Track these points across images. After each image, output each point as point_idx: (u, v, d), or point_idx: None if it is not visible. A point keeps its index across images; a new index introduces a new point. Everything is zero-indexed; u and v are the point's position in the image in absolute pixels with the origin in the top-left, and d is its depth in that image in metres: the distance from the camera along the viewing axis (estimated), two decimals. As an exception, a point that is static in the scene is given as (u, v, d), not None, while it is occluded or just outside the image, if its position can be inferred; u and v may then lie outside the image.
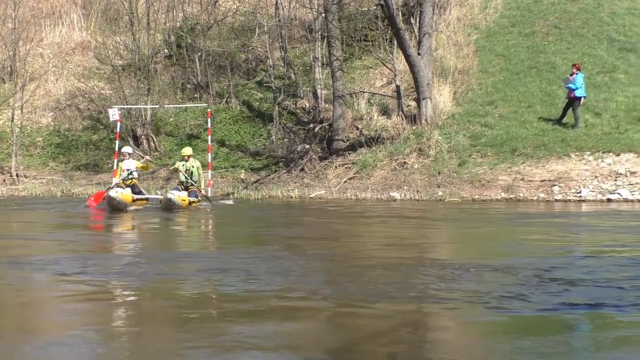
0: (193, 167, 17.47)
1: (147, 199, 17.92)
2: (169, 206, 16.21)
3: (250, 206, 18.83)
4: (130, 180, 17.66)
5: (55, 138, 27.07)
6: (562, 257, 8.34)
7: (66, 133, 27.15)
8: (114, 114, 20.32)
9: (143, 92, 25.95)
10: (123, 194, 16.47)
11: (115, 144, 24.69)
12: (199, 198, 17.48)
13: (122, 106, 23.74)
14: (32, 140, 26.91)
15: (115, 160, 19.17)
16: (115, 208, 16.09)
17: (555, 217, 14.29)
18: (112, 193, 16.22)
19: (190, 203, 16.93)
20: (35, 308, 6.16)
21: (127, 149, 18.15)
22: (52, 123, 27.78)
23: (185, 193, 17.19)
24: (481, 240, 10.79)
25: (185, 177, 17.53)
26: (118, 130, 20.77)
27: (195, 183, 17.50)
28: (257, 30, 27.97)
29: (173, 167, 18.23)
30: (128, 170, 17.59)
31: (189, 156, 17.59)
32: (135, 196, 17.25)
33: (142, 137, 25.47)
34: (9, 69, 28.72)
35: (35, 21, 30.07)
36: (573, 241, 10.38)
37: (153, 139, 25.46)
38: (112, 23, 30.68)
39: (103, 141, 26.23)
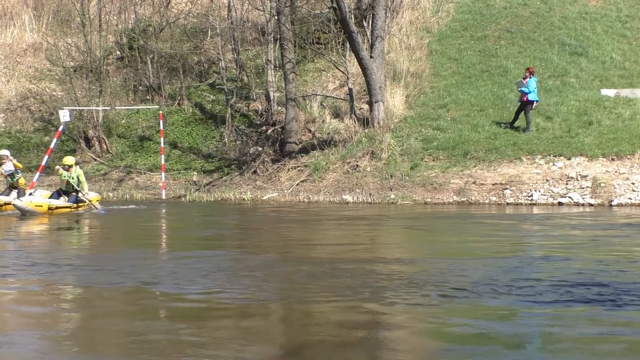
0: (73, 178, 16.62)
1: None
2: (22, 212, 15.77)
3: (202, 208, 18.00)
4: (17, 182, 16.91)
5: (6, 139, 25.63)
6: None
7: (17, 134, 25.86)
8: (65, 115, 19.41)
9: (95, 93, 24.69)
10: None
11: (67, 146, 23.67)
12: (86, 202, 16.79)
13: (74, 108, 22.79)
14: (-18, 142, 25.33)
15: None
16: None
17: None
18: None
19: (55, 208, 16.41)
20: None
21: (4, 152, 17.23)
22: (3, 124, 26.39)
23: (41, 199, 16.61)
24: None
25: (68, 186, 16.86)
26: (60, 129, 19.85)
27: (79, 191, 16.73)
28: (209, 32, 26.80)
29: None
30: (9, 172, 16.81)
31: (69, 166, 16.70)
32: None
33: (94, 139, 24.25)
34: (-41, 69, 27.07)
35: (-14, 22, 28.42)
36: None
37: (105, 141, 24.26)
38: (63, 24, 29.15)
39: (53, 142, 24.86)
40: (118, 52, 27.41)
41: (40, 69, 28.00)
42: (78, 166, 17.09)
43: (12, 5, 29.81)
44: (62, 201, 16.74)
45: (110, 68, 26.71)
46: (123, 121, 25.39)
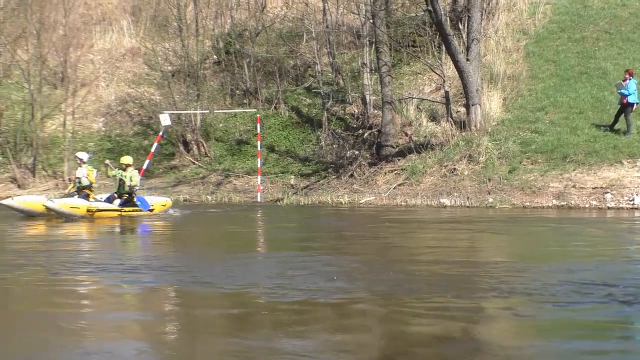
0: (125, 177, 17.99)
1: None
2: (57, 214, 17.30)
3: (300, 211, 19.72)
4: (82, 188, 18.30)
5: (106, 143, 28.60)
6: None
7: (117, 138, 28.75)
8: (165, 119, 21.76)
9: (192, 97, 27.07)
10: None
11: (166, 150, 25.87)
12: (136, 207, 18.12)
13: (172, 112, 25.15)
14: (83, 146, 28.20)
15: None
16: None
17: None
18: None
19: (96, 210, 17.75)
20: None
21: (82, 155, 19.05)
22: (104, 128, 29.26)
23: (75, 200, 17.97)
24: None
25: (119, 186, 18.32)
26: (160, 133, 22.20)
27: (130, 193, 18.15)
28: (305, 36, 28.98)
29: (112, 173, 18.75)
30: (80, 177, 18.33)
31: (127, 165, 18.18)
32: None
33: (192, 142, 26.60)
34: (60, 75, 30.28)
35: (86, 28, 31.73)
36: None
37: (203, 145, 26.59)
38: (161, 29, 32.01)
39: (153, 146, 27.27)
40: (215, 57, 29.98)
41: (139, 73, 30.75)
42: (134, 169, 18.54)
43: (110, 11, 32.73)
44: (107, 204, 18.22)
45: (208, 72, 29.18)
46: (221, 125, 27.72)
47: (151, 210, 18.40)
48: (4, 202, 18.04)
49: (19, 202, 17.89)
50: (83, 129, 29.07)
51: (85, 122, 29.34)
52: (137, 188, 18.36)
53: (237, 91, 28.83)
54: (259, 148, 24.04)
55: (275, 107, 27.63)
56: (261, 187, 23.27)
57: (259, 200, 22.73)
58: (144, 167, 21.35)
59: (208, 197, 23.70)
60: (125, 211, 18.07)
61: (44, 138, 28.00)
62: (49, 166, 27.50)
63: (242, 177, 25.23)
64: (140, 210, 18.12)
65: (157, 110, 26.70)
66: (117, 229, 16.41)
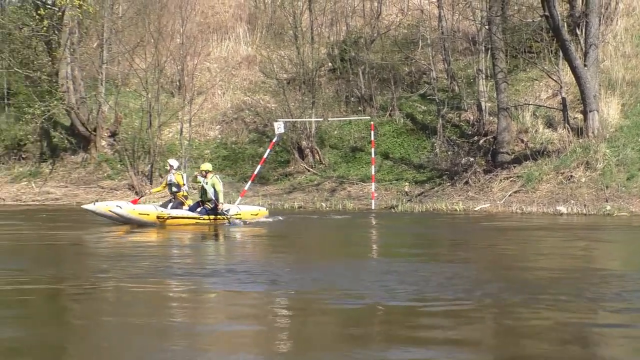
0: (207, 184, 18.91)
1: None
2: (124, 220, 18.62)
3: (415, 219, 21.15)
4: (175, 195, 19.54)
5: (222, 150, 30.87)
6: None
7: (232, 146, 31.02)
8: (279, 127, 23.14)
9: (308, 105, 28.93)
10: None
11: (281, 157, 27.66)
12: (224, 215, 18.96)
13: (287, 119, 26.77)
14: (200, 153, 30.57)
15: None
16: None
17: None
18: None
19: (168, 218, 18.80)
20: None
21: (173, 162, 20.58)
22: (219, 136, 31.50)
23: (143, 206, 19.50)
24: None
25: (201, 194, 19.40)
26: (274, 140, 23.78)
27: (211, 200, 18.96)
28: (420, 42, 30.55)
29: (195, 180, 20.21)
30: (170, 182, 19.63)
31: (207, 172, 19.14)
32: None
33: (307, 149, 28.42)
34: (177, 83, 32.91)
35: (203, 36, 34.08)
36: None
37: (317, 152, 28.41)
38: (276, 37, 34.34)
39: (269, 154, 29.06)
40: (330, 64, 32.03)
41: (255, 81, 33.03)
42: (217, 175, 19.53)
43: (227, 20, 35.28)
44: (181, 211, 19.23)
45: (323, 80, 31.16)
46: (335, 132, 29.58)
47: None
48: (87, 207, 19.25)
49: (99, 207, 19.08)
50: (199, 137, 31.43)
51: (201, 129, 31.70)
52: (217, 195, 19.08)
53: (352, 98, 30.68)
54: (373, 155, 25.61)
55: (389, 114, 29.31)
56: (375, 194, 24.67)
57: (372, 207, 24.18)
58: (255, 172, 23.02)
59: (322, 204, 25.35)
60: (204, 219, 19.02)
61: (161, 145, 30.48)
62: (165, 173, 29.42)
63: (356, 184, 26.89)
64: (227, 219, 18.95)
65: (272, 117, 28.63)
66: (217, 236, 17.63)
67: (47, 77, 31.87)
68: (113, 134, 31.81)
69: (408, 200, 24.47)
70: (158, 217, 18.71)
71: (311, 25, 30.96)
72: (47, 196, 29.74)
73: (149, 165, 29.71)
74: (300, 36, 30.50)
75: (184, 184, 19.78)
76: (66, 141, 32.58)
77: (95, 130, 31.34)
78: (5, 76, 34.40)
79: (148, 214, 18.79)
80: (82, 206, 19.76)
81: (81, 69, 32.85)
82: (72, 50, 31.65)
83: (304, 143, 28.82)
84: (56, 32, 31.36)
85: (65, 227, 19.03)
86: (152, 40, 31.25)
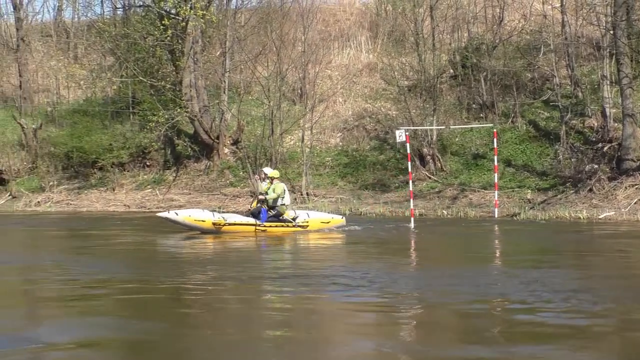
0: (271, 189, 20.83)
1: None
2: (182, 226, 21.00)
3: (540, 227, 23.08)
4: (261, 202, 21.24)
5: (343, 158, 33.60)
6: None
7: (354, 153, 33.62)
8: (400, 135, 25.03)
9: (429, 112, 31.33)
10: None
11: (402, 164, 29.83)
12: (288, 223, 20.88)
13: (409, 127, 28.85)
14: (321, 160, 33.24)
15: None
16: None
17: None
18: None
19: (225, 224, 20.73)
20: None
21: (267, 170, 22.16)
22: (340, 143, 34.24)
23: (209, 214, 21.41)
24: None
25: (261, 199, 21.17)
26: (408, 151, 25.87)
27: (269, 206, 20.87)
28: (542, 48, 32.60)
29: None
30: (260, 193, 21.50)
31: (272, 178, 21.13)
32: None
33: (428, 156, 30.73)
34: (299, 91, 35.88)
35: (324, 44, 36.97)
36: None
37: (439, 159, 30.65)
38: (397, 44, 37.05)
39: (390, 161, 31.77)
40: (451, 71, 34.43)
41: (376, 88, 35.81)
42: (280, 181, 21.45)
43: (348, 27, 38.31)
44: (240, 217, 21.19)
45: (444, 86, 33.60)
46: (457, 139, 31.87)
47: (304, 227, 21.07)
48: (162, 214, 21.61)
49: (161, 214, 21.48)
50: (320, 144, 34.23)
51: (322, 137, 34.57)
52: (280, 202, 20.92)
53: (474, 105, 33.01)
54: (495, 162, 27.10)
55: (512, 121, 31.43)
56: (498, 202, 26.44)
57: (495, 215, 25.77)
58: (410, 188, 24.90)
59: (444, 211, 27.29)
60: (265, 226, 20.73)
61: (283, 153, 33.40)
62: (287, 180, 32.11)
63: (478, 191, 28.84)
64: (287, 226, 20.72)
65: (393, 125, 31.02)
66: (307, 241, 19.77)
67: (171, 85, 34.78)
68: (235, 142, 34.81)
69: (530, 208, 26.03)
70: (214, 224, 20.69)
71: (432, 32, 33.32)
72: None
73: None
74: (422, 43, 32.85)
75: (275, 196, 21.20)
76: (189, 149, 35.84)
77: (218, 138, 34.36)
78: (130, 85, 37.70)
79: (204, 221, 20.77)
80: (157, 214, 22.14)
81: (204, 77, 36.12)
82: (195, 59, 34.64)
83: (425, 150, 31.01)
84: (180, 41, 34.13)
85: (184, 234, 21.03)
86: (274, 49, 34.28)
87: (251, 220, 20.85)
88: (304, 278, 12.63)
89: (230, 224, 20.80)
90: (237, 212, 23.00)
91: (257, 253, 18.19)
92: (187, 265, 15.01)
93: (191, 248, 18.83)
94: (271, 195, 20.78)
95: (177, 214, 21.25)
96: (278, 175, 21.66)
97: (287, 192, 21.41)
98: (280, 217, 20.90)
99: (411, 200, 24.55)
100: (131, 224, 25.41)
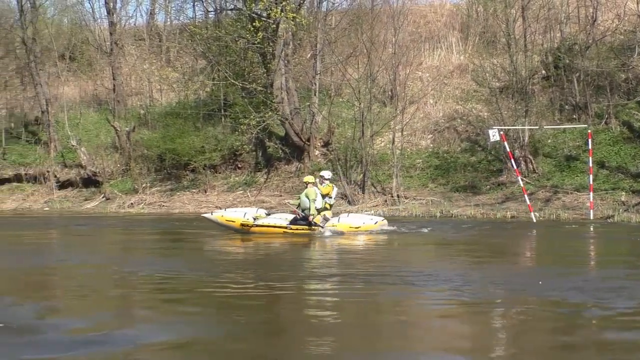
0: (303, 194, 21.81)
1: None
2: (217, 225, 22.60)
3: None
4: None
5: (434, 160, 34.60)
6: None
7: (444, 155, 34.60)
8: (494, 134, 26.03)
9: (520, 113, 32.13)
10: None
11: (493, 166, 30.62)
12: (317, 226, 21.47)
13: (500, 127, 29.39)
14: (411, 162, 34.32)
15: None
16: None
17: None
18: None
19: (253, 226, 21.83)
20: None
21: (325, 173, 23.21)
22: (431, 145, 35.29)
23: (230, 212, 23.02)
24: None
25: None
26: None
27: (302, 210, 21.70)
28: (637, 48, 33.35)
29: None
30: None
31: (307, 183, 22.04)
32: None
33: (520, 158, 31.46)
34: (389, 92, 37.03)
35: (415, 46, 38.14)
36: None
37: (531, 161, 31.39)
38: (489, 45, 37.92)
39: (481, 163, 32.62)
40: (543, 71, 35.10)
41: (467, 90, 36.68)
42: (315, 187, 21.97)
43: (439, 29, 39.38)
44: (268, 220, 22.04)
45: (536, 87, 34.40)
46: (549, 140, 32.66)
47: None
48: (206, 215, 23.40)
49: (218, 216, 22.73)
50: (411, 146, 35.32)
51: (413, 139, 35.64)
52: (307, 206, 21.48)
53: (567, 106, 33.70)
54: (589, 164, 27.56)
55: (605, 122, 32.06)
56: (593, 203, 26.84)
57: (590, 217, 26.28)
58: (523, 186, 26.40)
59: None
60: (292, 229, 21.53)
61: (373, 155, 34.41)
62: (377, 182, 33.61)
63: (571, 193, 29.50)
64: (309, 229, 21.39)
65: (484, 126, 31.82)
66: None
67: (262, 88, 36.17)
68: (326, 144, 36.08)
69: (625, 210, 26.65)
70: (242, 225, 21.77)
71: (524, 33, 34.02)
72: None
73: (362, 175, 33.43)
74: (513, 44, 33.64)
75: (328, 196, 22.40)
76: (280, 151, 37.25)
77: (308, 140, 35.67)
78: (222, 88, 39.20)
79: (234, 221, 21.96)
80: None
81: (295, 79, 37.46)
82: (286, 61, 35.96)
83: (517, 152, 31.72)
84: (271, 43, 35.48)
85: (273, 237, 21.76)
86: (365, 50, 35.26)
87: (280, 222, 21.82)
88: (396, 278, 13.22)
89: (258, 225, 21.80)
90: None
91: (363, 253, 18.91)
92: (275, 265, 15.82)
93: (278, 249, 19.62)
94: (312, 198, 21.45)
95: (212, 214, 22.83)
96: (312, 181, 22.29)
97: (319, 196, 21.84)
98: (309, 220, 21.55)
99: (526, 195, 25.99)
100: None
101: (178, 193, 37.78)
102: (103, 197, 39.40)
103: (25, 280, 13.93)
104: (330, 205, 22.46)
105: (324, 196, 21.98)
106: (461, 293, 11.33)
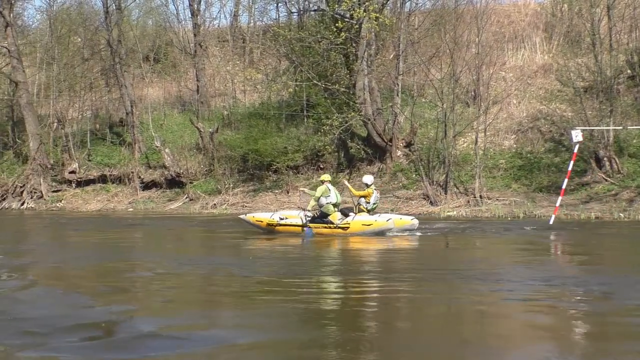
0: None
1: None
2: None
3: None
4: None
5: (517, 160, 35.43)
6: None
7: (528, 155, 35.37)
8: (577, 135, 26.63)
9: (605, 113, 32.84)
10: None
11: (578, 166, 31.33)
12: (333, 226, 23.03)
13: (584, 127, 30.33)
14: (494, 163, 35.22)
15: None
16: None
17: None
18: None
19: (276, 225, 23.48)
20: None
21: (368, 178, 24.88)
22: (514, 145, 36.10)
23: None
24: None
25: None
26: (575, 151, 27.43)
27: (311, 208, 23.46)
28: None
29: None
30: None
31: (321, 181, 23.83)
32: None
33: (605, 158, 32.14)
34: (472, 93, 37.95)
35: (498, 45, 39.10)
36: None
37: (615, 161, 31.99)
38: (573, 45, 38.76)
39: (565, 163, 33.24)
40: (629, 71, 35.86)
41: (550, 89, 37.62)
42: (325, 183, 23.58)
43: (522, 28, 40.15)
44: (291, 219, 23.38)
45: (621, 87, 35.16)
46: (634, 141, 33.65)
47: (344, 229, 22.85)
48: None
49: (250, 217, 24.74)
50: (494, 146, 36.24)
51: (496, 139, 36.55)
52: (325, 202, 23.17)
53: (653, 106, 34.16)
54: None
55: (691, 122, 32.58)
56: None
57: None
58: (563, 186, 26.94)
59: (620, 214, 28.61)
60: (310, 227, 23.08)
61: (456, 155, 35.29)
62: (460, 183, 34.50)
63: (657, 193, 30.20)
64: (329, 227, 22.88)
65: (568, 126, 32.52)
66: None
67: (345, 89, 37.17)
68: (408, 144, 37.07)
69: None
70: (268, 224, 23.68)
71: (609, 32, 34.75)
72: (343, 205, 34.26)
73: (444, 175, 34.37)
74: (598, 43, 34.26)
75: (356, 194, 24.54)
76: (362, 152, 38.30)
77: (391, 140, 36.75)
78: (305, 89, 40.58)
79: (262, 221, 23.90)
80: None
81: (378, 80, 38.61)
82: (369, 62, 37.10)
83: (601, 152, 32.46)
84: (354, 44, 36.54)
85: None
86: (448, 51, 36.29)
87: (300, 222, 23.26)
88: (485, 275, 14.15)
89: (281, 225, 23.44)
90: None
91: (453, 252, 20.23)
92: (355, 265, 16.83)
93: (354, 249, 20.93)
94: (316, 196, 23.25)
95: (245, 216, 24.93)
96: (328, 179, 23.92)
97: (332, 192, 23.51)
98: (325, 219, 23.09)
99: (560, 197, 26.65)
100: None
101: (260, 194, 39.00)
102: (186, 198, 40.96)
103: (115, 279, 14.78)
104: (369, 210, 23.69)
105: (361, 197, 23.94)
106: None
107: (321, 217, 23.18)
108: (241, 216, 25.44)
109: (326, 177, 24.14)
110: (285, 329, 9.83)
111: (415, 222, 23.24)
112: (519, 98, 38.35)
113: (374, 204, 23.89)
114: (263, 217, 24.19)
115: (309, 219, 23.16)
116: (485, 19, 37.53)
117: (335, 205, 23.40)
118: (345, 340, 9.24)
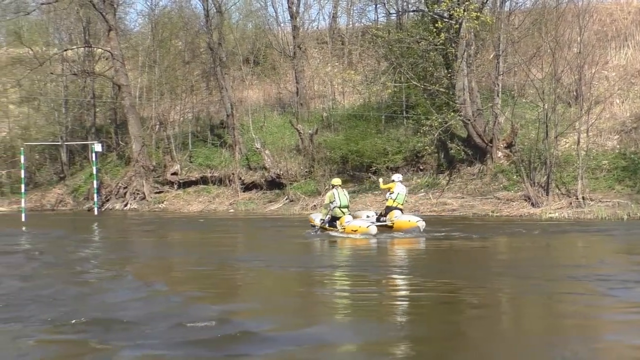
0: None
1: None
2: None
3: None
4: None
5: (620, 161, 35.81)
6: None
7: (632, 156, 35.83)
8: None
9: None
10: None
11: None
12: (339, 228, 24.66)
13: None
14: (597, 164, 35.77)
15: None
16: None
17: None
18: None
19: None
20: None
21: (396, 177, 26.78)
22: (618, 146, 36.67)
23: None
24: None
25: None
26: None
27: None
28: None
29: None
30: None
31: (332, 186, 25.50)
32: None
33: None
34: (574, 92, 38.70)
35: (600, 44, 39.56)
36: None
37: None
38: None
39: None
40: None
41: (656, 89, 37.62)
42: (333, 188, 25.32)
43: (625, 27, 40.48)
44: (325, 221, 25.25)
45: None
46: None
47: (341, 231, 24.44)
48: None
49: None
50: (597, 147, 36.80)
51: (599, 139, 37.12)
52: (333, 206, 24.83)
53: None
54: None
55: None
56: None
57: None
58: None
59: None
60: (324, 228, 25.14)
61: (558, 156, 35.78)
62: (562, 184, 35.05)
63: None
64: (335, 230, 24.62)
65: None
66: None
67: (445, 89, 38.17)
68: (509, 145, 37.75)
69: None
70: (312, 226, 25.96)
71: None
72: (443, 207, 35.78)
73: (546, 177, 34.79)
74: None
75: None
76: (463, 152, 39.20)
77: (491, 141, 37.54)
78: (404, 90, 41.79)
79: (313, 221, 26.08)
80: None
81: (478, 80, 39.43)
82: (468, 62, 37.95)
83: None
84: (453, 44, 37.35)
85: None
86: (549, 50, 36.89)
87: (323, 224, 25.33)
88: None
89: (323, 228, 25.18)
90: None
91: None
92: (446, 265, 17.40)
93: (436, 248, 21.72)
94: (326, 202, 25.30)
95: (310, 215, 27.95)
96: (338, 184, 25.53)
97: (337, 196, 24.93)
98: (334, 222, 24.91)
99: None
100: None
101: (360, 195, 40.03)
102: (287, 199, 42.54)
103: (219, 279, 15.61)
104: (394, 201, 25.98)
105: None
106: None
107: (333, 220, 24.98)
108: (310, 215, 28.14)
109: (336, 181, 25.85)
110: (393, 331, 10.05)
111: (422, 223, 24.58)
112: (622, 98, 38.79)
113: (398, 194, 25.92)
114: (313, 218, 26.75)
115: (322, 221, 25.27)
116: (587, 18, 38.15)
117: (343, 207, 25.00)
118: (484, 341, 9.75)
